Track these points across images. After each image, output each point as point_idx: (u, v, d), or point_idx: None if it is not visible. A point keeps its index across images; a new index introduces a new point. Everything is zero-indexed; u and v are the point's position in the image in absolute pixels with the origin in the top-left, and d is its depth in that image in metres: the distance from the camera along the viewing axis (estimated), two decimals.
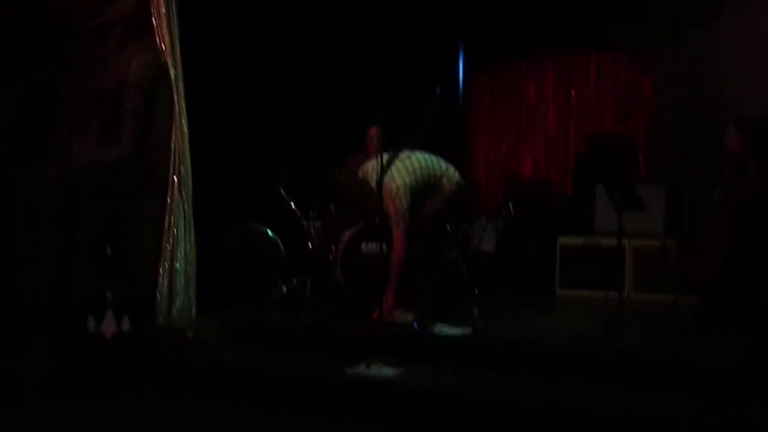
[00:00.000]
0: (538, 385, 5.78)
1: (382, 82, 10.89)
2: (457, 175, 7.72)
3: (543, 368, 6.10)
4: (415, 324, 6.96)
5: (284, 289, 8.61)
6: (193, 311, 7.64)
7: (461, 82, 12.92)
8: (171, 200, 7.54)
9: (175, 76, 7.64)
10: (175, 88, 7.61)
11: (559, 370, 6.05)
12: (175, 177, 7.56)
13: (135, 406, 6.07)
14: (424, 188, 7.54)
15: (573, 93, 12.92)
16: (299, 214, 8.85)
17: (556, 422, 5.24)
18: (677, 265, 7.68)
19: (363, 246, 8.19)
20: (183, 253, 7.58)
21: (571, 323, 7.72)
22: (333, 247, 8.38)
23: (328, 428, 5.64)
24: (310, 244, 8.74)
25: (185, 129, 7.66)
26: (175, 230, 7.53)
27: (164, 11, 7.61)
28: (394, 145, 7.32)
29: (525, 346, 6.51)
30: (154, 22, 7.61)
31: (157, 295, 7.40)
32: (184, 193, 7.61)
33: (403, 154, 7.42)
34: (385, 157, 7.20)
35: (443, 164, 7.69)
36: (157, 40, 7.61)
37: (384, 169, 7.16)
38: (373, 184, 7.34)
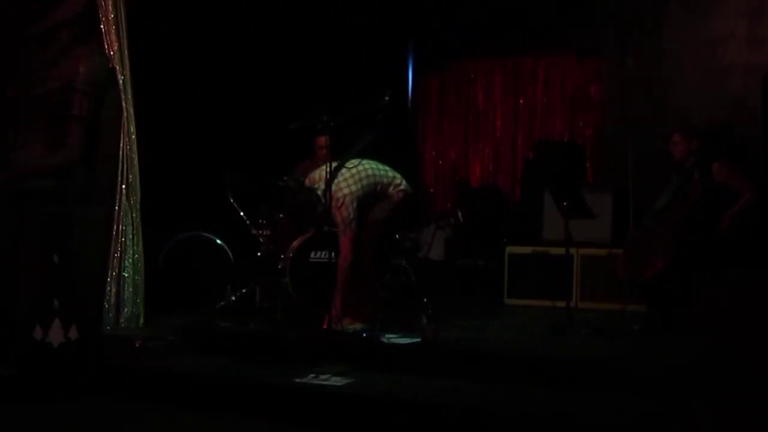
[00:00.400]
0: (487, 392, 5.85)
1: (330, 88, 10.93)
2: (404, 182, 7.76)
3: (491, 375, 6.17)
4: (364, 332, 7.00)
5: (233, 296, 8.62)
6: (142, 319, 7.67)
7: (410, 88, 12.99)
8: (119, 207, 7.56)
9: (124, 81, 7.65)
10: (123, 94, 7.62)
11: (507, 376, 6.14)
12: (123, 184, 7.57)
13: (82, 414, 6.06)
14: (371, 196, 7.56)
15: (521, 99, 13.02)
16: (248, 222, 8.86)
17: (504, 427, 5.32)
18: (623, 271, 7.78)
19: (312, 254, 8.19)
20: (131, 260, 7.60)
21: (519, 330, 7.78)
22: (282, 254, 8.39)
23: None
24: (259, 251, 8.76)
25: (134, 135, 7.67)
26: (123, 238, 7.55)
27: (112, 16, 7.61)
28: (341, 153, 7.36)
29: (474, 353, 6.58)
30: (102, 27, 7.60)
31: (105, 303, 7.41)
32: (132, 200, 7.63)
33: (352, 162, 7.45)
34: (333, 164, 7.24)
35: (391, 172, 7.73)
36: (105, 45, 7.61)
37: (331, 177, 7.20)
38: (320, 192, 7.39)
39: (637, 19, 10.97)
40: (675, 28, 10.65)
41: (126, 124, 7.59)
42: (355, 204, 7.35)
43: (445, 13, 12.33)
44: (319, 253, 8.16)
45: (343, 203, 7.29)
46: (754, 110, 9.52)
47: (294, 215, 8.18)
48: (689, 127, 7.99)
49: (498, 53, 12.94)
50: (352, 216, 7.33)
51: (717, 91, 10.20)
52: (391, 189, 7.64)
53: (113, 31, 7.59)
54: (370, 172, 7.51)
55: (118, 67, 7.59)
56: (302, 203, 7.57)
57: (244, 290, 8.67)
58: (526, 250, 9.70)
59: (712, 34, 10.39)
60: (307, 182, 7.65)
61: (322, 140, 8.97)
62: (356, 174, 7.41)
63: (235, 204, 8.80)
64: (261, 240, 8.78)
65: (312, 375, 6.16)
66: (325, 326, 7.04)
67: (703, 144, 7.67)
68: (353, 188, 7.35)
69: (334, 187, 7.24)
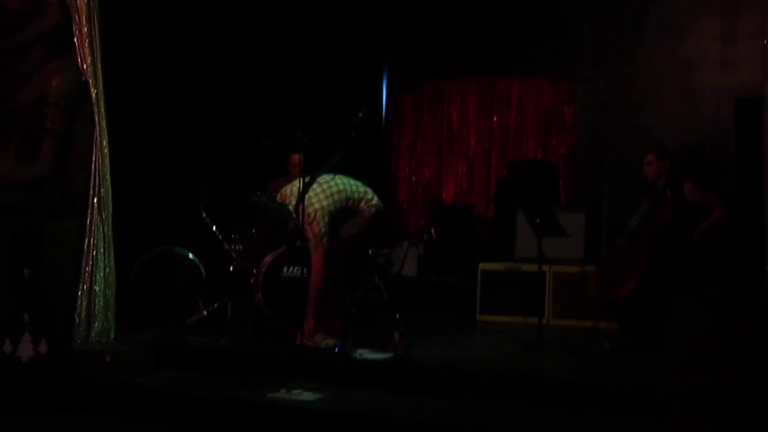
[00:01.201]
0: (459, 409, 5.88)
1: (304, 104, 10.95)
2: (376, 198, 7.77)
3: (464, 392, 6.21)
4: (336, 348, 7.00)
5: (205, 312, 8.59)
6: (112, 334, 7.63)
7: (384, 105, 13.02)
8: (91, 221, 7.53)
9: (96, 95, 7.64)
10: (96, 108, 7.60)
11: (480, 393, 6.18)
12: (95, 197, 7.55)
13: (51, 428, 6.05)
14: (343, 212, 7.57)
15: (495, 118, 13.07)
16: (220, 237, 8.85)
17: None
18: (595, 290, 7.82)
19: (284, 270, 8.19)
20: (102, 275, 7.57)
21: (491, 347, 7.79)
22: (254, 270, 8.38)
23: None
24: (231, 267, 8.75)
25: (106, 149, 7.65)
26: (94, 251, 7.52)
27: (86, 30, 7.61)
28: (314, 168, 7.37)
29: (446, 370, 6.59)
30: (75, 42, 7.61)
31: (76, 317, 7.38)
32: (104, 213, 7.61)
33: (323, 178, 7.46)
34: (305, 180, 7.25)
35: (362, 187, 7.74)
36: (79, 59, 7.61)
37: (302, 193, 7.21)
38: (292, 207, 7.40)
39: (611, 41, 11.04)
40: (649, 51, 10.74)
41: (98, 137, 7.57)
42: (326, 219, 7.35)
43: (420, 32, 12.37)
44: (291, 268, 8.15)
45: (314, 218, 7.29)
46: (726, 132, 9.61)
47: (265, 231, 8.16)
48: (662, 147, 8.06)
49: (473, 73, 12.99)
50: (323, 231, 7.33)
51: (690, 112, 10.28)
52: (362, 204, 7.65)
53: (86, 44, 7.59)
54: (341, 187, 7.52)
55: (91, 81, 7.58)
56: (273, 219, 7.55)
57: (215, 305, 8.65)
58: (499, 267, 9.71)
59: (685, 57, 10.48)
60: (278, 198, 7.65)
61: (297, 158, 8.97)
62: (328, 189, 7.42)
63: (207, 219, 8.79)
64: (233, 255, 8.77)
65: (283, 390, 6.18)
66: (297, 342, 7.03)
67: (675, 164, 7.74)
68: (324, 203, 7.36)
69: (305, 203, 7.24)
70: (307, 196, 7.25)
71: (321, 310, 7.39)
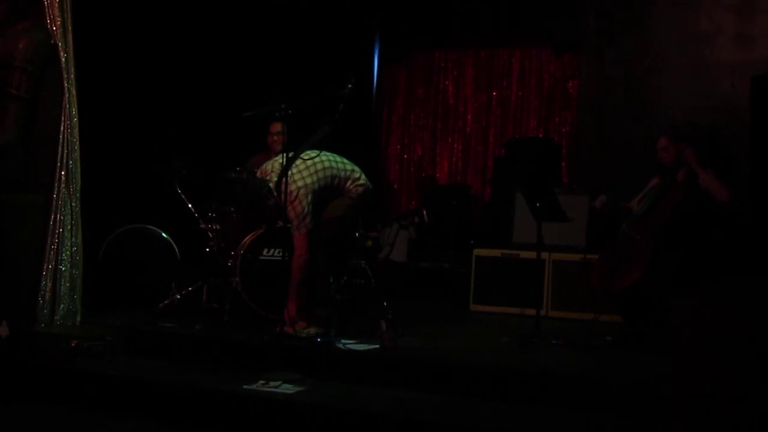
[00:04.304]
0: (447, 405, 5.87)
1: (289, 75, 10.92)
2: (363, 177, 7.74)
3: (453, 387, 6.20)
4: (318, 337, 6.99)
5: (178, 296, 8.58)
6: (78, 317, 7.61)
7: (375, 77, 13.00)
8: (57, 195, 7.49)
9: (66, 60, 7.59)
10: (65, 74, 7.56)
11: (469, 389, 6.16)
12: (62, 170, 7.52)
13: (10, 419, 6.04)
14: (327, 191, 7.54)
15: (494, 92, 13.07)
16: (196, 215, 8.83)
17: None
18: (597, 280, 7.80)
19: (265, 251, 8.17)
20: (69, 253, 7.55)
21: (484, 340, 7.79)
22: (232, 251, 8.37)
23: None
24: (207, 248, 8.73)
25: (75, 118, 7.62)
26: (60, 228, 7.49)
27: None
28: (296, 144, 7.33)
29: (435, 363, 6.56)
30: (44, 1, 7.55)
31: (39, 298, 7.36)
32: (72, 187, 7.58)
33: (307, 154, 7.42)
34: (288, 155, 7.21)
35: (349, 165, 7.72)
36: (48, 20, 7.56)
37: (285, 169, 7.18)
38: (272, 184, 7.37)
39: (620, 12, 11.04)
40: (659, 23, 10.73)
41: (67, 105, 7.53)
42: (309, 198, 7.32)
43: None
44: (272, 250, 8.14)
45: (297, 197, 7.26)
46: (741, 111, 9.59)
47: (244, 209, 8.12)
48: (674, 128, 7.99)
49: (470, 43, 12.99)
50: (306, 211, 7.30)
51: (702, 90, 10.28)
52: (349, 183, 7.63)
53: (56, 5, 7.54)
54: (327, 164, 7.49)
55: (60, 44, 7.54)
56: (252, 195, 7.50)
57: (190, 289, 8.65)
58: (495, 253, 9.70)
59: (699, 30, 10.48)
60: (258, 174, 7.62)
61: (277, 126, 8.93)
62: (312, 166, 7.38)
63: (183, 195, 8.77)
64: (210, 235, 8.75)
65: (261, 382, 6.16)
66: (277, 330, 7.01)
67: (696, 150, 7.65)
68: (308, 181, 7.33)
69: (287, 179, 7.19)
70: (289, 172, 7.20)
71: (303, 296, 7.37)
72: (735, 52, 10.26)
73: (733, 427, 4.68)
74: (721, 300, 4.96)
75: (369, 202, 7.91)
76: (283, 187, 7.14)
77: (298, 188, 7.26)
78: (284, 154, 7.16)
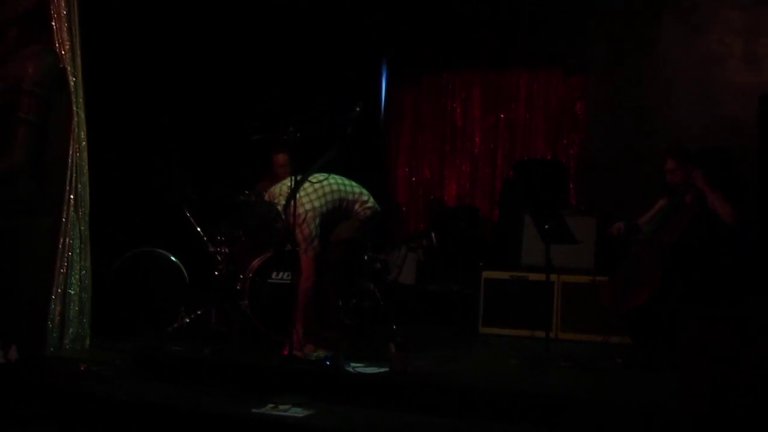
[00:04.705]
0: (457, 427, 5.87)
1: (297, 98, 10.93)
2: (371, 200, 7.75)
3: (463, 410, 6.18)
4: (327, 360, 6.97)
5: (187, 319, 8.57)
6: (87, 341, 7.62)
7: (383, 100, 13.01)
8: (66, 219, 7.51)
9: (75, 84, 7.62)
10: (74, 98, 7.59)
11: (480, 412, 6.14)
12: (71, 194, 7.53)
13: None
14: (335, 213, 7.56)
15: (501, 114, 13.06)
16: (205, 238, 8.83)
17: None
18: (607, 301, 7.78)
19: (273, 274, 8.17)
20: (78, 277, 7.56)
21: (494, 362, 7.78)
22: (241, 275, 8.36)
23: None
24: (216, 271, 8.72)
25: (84, 142, 7.64)
26: (69, 252, 7.50)
27: (65, 13, 7.59)
28: (304, 166, 7.33)
29: (444, 386, 6.55)
30: (53, 25, 7.58)
31: (49, 322, 7.36)
32: (80, 211, 7.59)
33: (316, 177, 7.41)
34: (296, 178, 7.21)
35: (357, 188, 7.73)
36: (57, 44, 7.59)
37: (293, 192, 7.19)
38: (280, 207, 7.38)
39: (628, 33, 11.05)
40: (668, 45, 10.75)
41: (76, 129, 7.56)
42: (317, 221, 7.33)
43: (421, 21, 12.36)
44: (280, 273, 8.13)
45: (304, 220, 7.27)
46: (749, 131, 9.58)
47: (251, 232, 8.10)
48: (681, 150, 7.95)
49: (478, 65, 12.98)
50: (314, 234, 7.30)
51: (711, 111, 10.29)
52: (357, 206, 7.64)
53: (65, 29, 7.57)
54: (335, 187, 7.50)
55: (69, 68, 7.57)
56: (260, 219, 7.50)
57: (198, 312, 8.64)
58: (504, 275, 9.67)
59: (707, 52, 10.49)
60: (266, 197, 7.63)
61: (281, 158, 8.95)
62: (320, 189, 7.40)
63: (191, 219, 8.77)
64: (218, 258, 8.75)
65: (270, 405, 6.14)
66: (285, 353, 7.00)
67: (705, 173, 7.62)
68: (316, 204, 7.34)
69: (296, 202, 7.19)
70: (297, 195, 7.21)
71: (311, 319, 7.36)
72: (744, 73, 10.26)
73: None
74: (726, 319, 4.96)
75: (377, 225, 7.91)
76: (291, 210, 7.14)
77: (306, 211, 7.27)
78: (292, 177, 7.16)
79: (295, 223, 7.23)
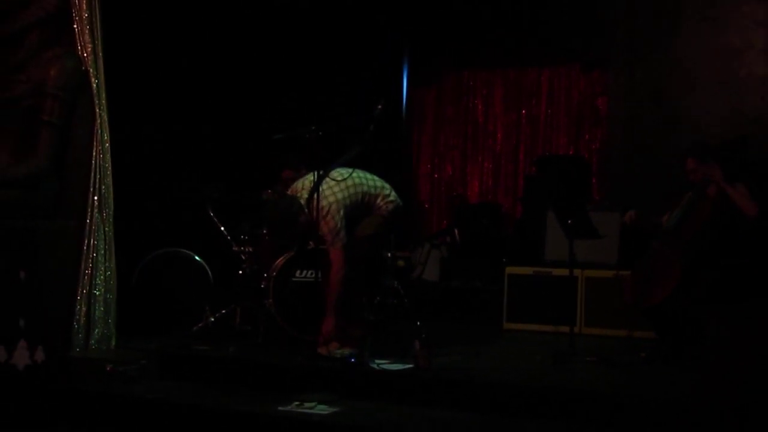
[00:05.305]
0: (482, 424, 5.85)
1: (320, 97, 10.94)
2: (394, 194, 7.72)
3: (487, 406, 6.17)
4: (352, 358, 6.96)
5: (212, 318, 8.57)
6: (113, 341, 7.63)
7: (405, 97, 13.01)
8: (90, 221, 7.52)
9: (97, 86, 7.63)
10: (96, 100, 7.60)
11: (504, 407, 6.13)
12: (95, 195, 7.55)
13: None
14: (358, 208, 7.53)
15: (523, 111, 13.05)
16: (229, 238, 8.83)
17: None
18: (630, 296, 7.75)
19: (297, 273, 8.16)
20: (103, 278, 7.57)
21: (518, 358, 7.75)
22: (265, 273, 8.36)
23: None
24: (240, 270, 8.73)
25: (107, 144, 7.64)
26: (94, 253, 7.51)
27: (86, 15, 7.60)
28: (326, 163, 7.31)
29: (469, 382, 6.53)
30: (75, 28, 7.60)
31: (74, 323, 7.38)
32: (104, 213, 7.60)
33: (338, 172, 7.40)
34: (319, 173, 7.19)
35: (379, 182, 7.71)
36: (78, 47, 7.61)
37: (315, 186, 7.16)
38: (303, 201, 7.37)
39: (648, 28, 11.00)
40: (688, 38, 10.68)
41: (99, 131, 7.57)
42: (342, 213, 7.29)
43: (443, 19, 12.36)
44: (304, 272, 8.12)
45: (328, 212, 7.23)
46: None
47: (274, 227, 8.07)
48: (702, 148, 7.88)
49: (499, 62, 12.98)
50: (339, 225, 7.27)
51: (731, 104, 10.22)
52: (379, 200, 7.61)
53: (87, 31, 7.58)
54: (357, 181, 7.47)
55: (91, 71, 7.58)
56: (283, 213, 7.46)
57: (223, 311, 8.63)
58: (527, 271, 9.65)
59: (728, 45, 10.42)
60: (289, 191, 7.61)
61: (289, 173, 8.94)
62: (343, 183, 7.36)
63: (215, 218, 8.77)
64: (242, 257, 8.75)
65: (296, 403, 6.15)
66: (312, 351, 6.99)
67: (723, 168, 7.56)
68: (339, 196, 7.30)
69: (319, 195, 7.17)
70: (320, 188, 7.18)
71: (340, 314, 7.33)
72: (765, 65, 10.19)
73: None
74: (754, 318, 4.94)
75: (400, 220, 7.89)
76: (314, 204, 7.13)
77: (330, 203, 7.25)
78: (315, 171, 7.16)
79: (320, 216, 7.21)
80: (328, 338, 7.18)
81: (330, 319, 7.28)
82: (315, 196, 7.13)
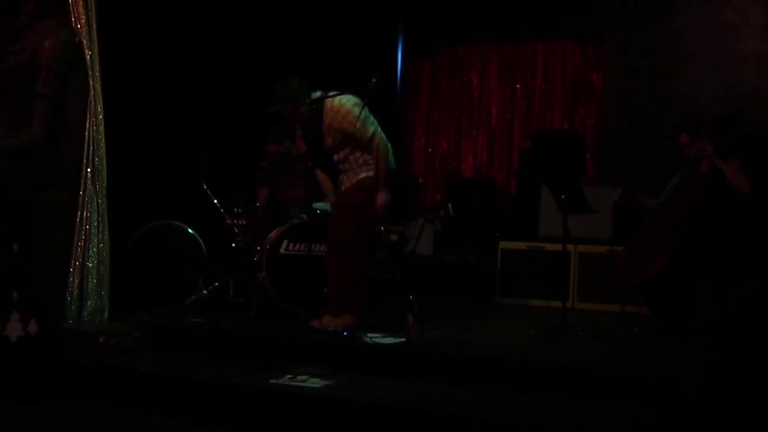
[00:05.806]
0: (475, 398, 5.84)
1: (313, 70, 10.90)
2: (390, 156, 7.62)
3: (480, 380, 6.17)
4: (345, 331, 6.97)
5: (205, 291, 8.57)
6: (106, 314, 7.62)
7: (399, 71, 12.99)
8: (84, 193, 7.50)
9: (91, 58, 7.59)
10: (90, 72, 7.56)
11: (497, 381, 6.13)
12: (88, 167, 7.53)
13: (41, 415, 6.05)
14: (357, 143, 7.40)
15: (518, 85, 13.03)
16: (222, 211, 8.82)
17: None
18: (623, 271, 7.76)
19: (291, 246, 8.16)
20: (96, 250, 7.55)
21: (511, 332, 7.76)
22: (258, 247, 8.36)
23: None
24: (233, 243, 8.73)
25: (101, 116, 7.61)
26: (87, 226, 7.50)
27: None
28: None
29: (462, 356, 6.53)
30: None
31: (67, 295, 7.37)
32: (98, 185, 7.58)
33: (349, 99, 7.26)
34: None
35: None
36: (73, 18, 7.56)
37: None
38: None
39: (644, 3, 10.96)
40: (684, 14, 10.64)
41: (93, 103, 7.54)
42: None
43: None
44: (298, 245, 8.12)
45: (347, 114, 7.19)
46: (767, 99, 9.52)
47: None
48: (695, 122, 7.89)
49: (494, 36, 12.95)
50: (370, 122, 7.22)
51: (727, 80, 10.20)
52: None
53: (81, 3, 7.54)
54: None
55: (85, 42, 7.54)
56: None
57: (216, 284, 8.63)
58: (521, 246, 9.68)
59: (723, 21, 10.39)
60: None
61: (273, 147, 8.93)
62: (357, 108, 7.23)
63: (208, 191, 8.76)
64: (236, 230, 8.74)
65: (288, 376, 6.15)
66: (309, 324, 6.98)
67: (717, 144, 7.55)
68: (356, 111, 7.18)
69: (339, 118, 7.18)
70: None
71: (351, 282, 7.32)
72: (761, 41, 10.17)
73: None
74: (746, 293, 4.94)
75: (393, 187, 7.81)
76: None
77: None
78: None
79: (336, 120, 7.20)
80: (340, 309, 7.18)
81: (344, 287, 7.26)
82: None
